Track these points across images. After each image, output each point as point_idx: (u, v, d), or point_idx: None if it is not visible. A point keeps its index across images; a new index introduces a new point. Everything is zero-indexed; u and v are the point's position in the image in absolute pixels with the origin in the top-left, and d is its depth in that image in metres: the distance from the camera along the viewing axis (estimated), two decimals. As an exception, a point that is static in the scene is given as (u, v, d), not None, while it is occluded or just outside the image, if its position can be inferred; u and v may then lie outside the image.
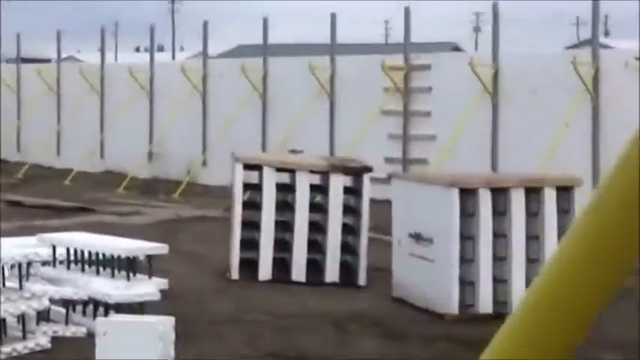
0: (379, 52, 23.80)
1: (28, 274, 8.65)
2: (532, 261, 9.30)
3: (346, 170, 11.16)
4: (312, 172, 11.18)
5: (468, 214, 8.86)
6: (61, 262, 9.08)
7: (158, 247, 9.20)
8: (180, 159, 23.08)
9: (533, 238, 9.28)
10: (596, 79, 17.32)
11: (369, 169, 11.14)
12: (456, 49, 53.94)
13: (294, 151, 17.93)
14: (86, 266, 8.96)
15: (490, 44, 19.03)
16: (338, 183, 11.06)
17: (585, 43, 56.18)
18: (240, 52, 46.95)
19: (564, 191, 9.19)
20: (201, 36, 23.65)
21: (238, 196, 11.32)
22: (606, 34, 75.18)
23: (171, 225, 16.18)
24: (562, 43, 56.13)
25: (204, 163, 22.89)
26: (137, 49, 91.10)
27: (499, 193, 8.90)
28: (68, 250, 9.08)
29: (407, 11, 19.89)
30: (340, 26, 21.03)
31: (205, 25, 23.45)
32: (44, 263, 9.06)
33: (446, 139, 18.51)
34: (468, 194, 8.80)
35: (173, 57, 67.05)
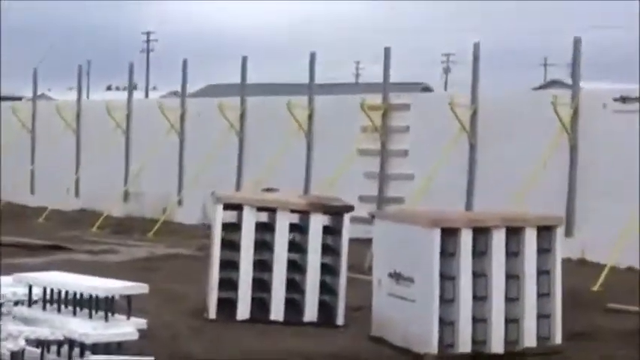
0: (352, 92, 23.93)
1: (0, 314, 8.50)
2: (511, 300, 9.27)
3: (327, 210, 11.11)
4: (292, 211, 11.11)
5: (448, 253, 8.83)
6: (35, 302, 8.94)
7: (137, 287, 9.05)
8: (156, 197, 23.01)
9: (514, 277, 9.24)
10: (574, 118, 17.40)
11: (350, 209, 11.10)
12: (426, 89, 54.68)
13: (269, 190, 17.87)
14: (62, 306, 8.83)
15: (462, 85, 19.12)
16: (318, 222, 11.02)
17: (552, 84, 56.87)
18: (211, 91, 46.96)
19: (546, 231, 9.17)
20: (173, 75, 23.71)
21: (217, 235, 11.25)
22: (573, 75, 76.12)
23: (146, 263, 16.10)
24: (528, 84, 56.91)
25: (180, 202, 22.83)
26: (109, 88, 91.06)
27: (480, 233, 8.87)
28: (45, 289, 8.95)
29: (387, 52, 19.99)
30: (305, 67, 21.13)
31: (184, 63, 23.47)
32: (16, 303, 8.91)
33: (423, 178, 18.53)
34: (449, 234, 8.77)
35: (146, 95, 67.16)
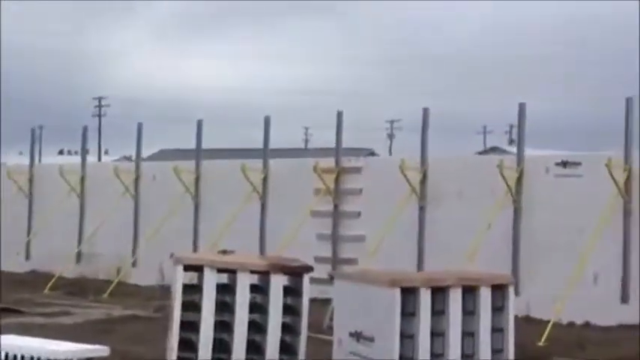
0: (302, 156, 24.33)
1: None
2: (467, 357, 9.57)
3: (287, 270, 11.38)
4: (252, 272, 11.36)
5: (408, 312, 9.13)
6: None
7: (98, 350, 8.87)
8: (110, 259, 23.13)
9: (469, 335, 9.57)
10: (519, 182, 18.00)
11: (309, 269, 11.38)
12: (372, 154, 55.76)
13: (225, 252, 18.05)
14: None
15: (406, 150, 19.68)
16: (278, 283, 11.25)
17: (492, 150, 58.01)
18: (164, 156, 47.13)
19: (499, 289, 9.55)
20: (125, 139, 23.99)
21: (178, 297, 11.40)
22: (511, 142, 77.79)
23: (103, 325, 16.06)
24: (468, 150, 58.20)
25: (134, 264, 22.97)
26: (61, 152, 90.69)
27: (438, 292, 9.22)
28: (1, 354, 8.86)
29: (339, 116, 20.46)
30: (260, 131, 21.55)
31: (139, 126, 23.75)
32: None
33: (374, 239, 18.94)
34: (408, 293, 9.10)
35: (99, 159, 67.14)
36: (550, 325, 15.34)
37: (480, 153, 53.99)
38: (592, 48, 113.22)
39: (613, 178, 16.53)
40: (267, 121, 21.47)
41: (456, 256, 16.70)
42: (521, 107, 18.31)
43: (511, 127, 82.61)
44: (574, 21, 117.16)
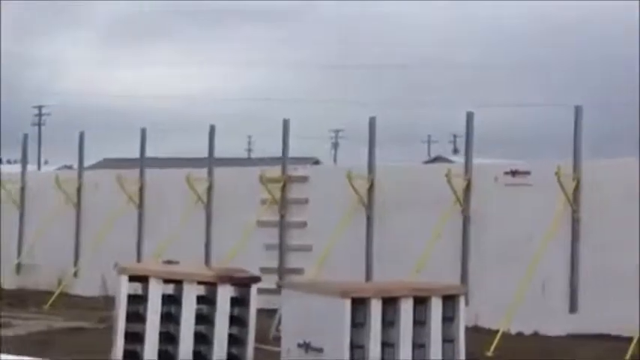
0: (245, 165, 24.16)
1: None
2: (417, 368, 9.48)
3: (234, 281, 11.21)
4: (199, 282, 11.18)
5: (358, 323, 9.01)
6: None
7: None
8: (51, 269, 22.75)
9: (420, 346, 9.46)
10: (467, 191, 17.94)
11: (257, 280, 11.22)
12: (317, 163, 55.85)
13: (169, 262, 17.83)
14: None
15: (350, 158, 19.62)
16: (225, 294, 11.09)
17: (436, 160, 58.37)
18: (107, 165, 46.72)
19: (450, 300, 9.45)
20: (66, 149, 23.65)
21: (122, 307, 11.20)
22: (455, 151, 78.25)
23: (45, 337, 15.84)
24: (413, 159, 58.58)
25: (76, 274, 22.63)
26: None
27: (389, 303, 9.09)
28: None
29: (286, 124, 20.30)
30: (203, 140, 21.33)
31: (81, 135, 23.43)
32: None
33: (321, 249, 18.79)
34: (359, 304, 8.97)
35: (39, 168, 66.47)
36: (499, 335, 15.28)
37: (426, 162, 54.30)
38: (541, 55, 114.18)
39: (562, 187, 16.51)
40: (212, 130, 21.28)
41: (405, 266, 16.63)
42: (469, 116, 18.28)
43: (454, 136, 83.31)
44: (524, 28, 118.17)
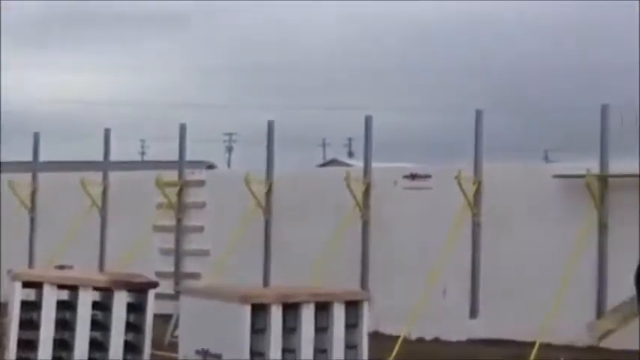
0: (139, 169, 23.83)
1: None
2: (319, 374, 9.33)
3: (130, 286, 10.94)
4: (94, 288, 10.90)
5: (258, 329, 8.82)
6: None
7: None
8: None
9: (322, 352, 9.32)
10: (366, 195, 17.87)
11: (154, 285, 10.97)
12: (211, 167, 55.49)
13: (62, 267, 17.49)
14: None
15: (242, 162, 19.48)
16: (121, 300, 10.83)
17: (331, 163, 58.59)
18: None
19: (352, 306, 9.30)
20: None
21: (15, 314, 10.89)
22: (350, 154, 78.78)
23: None
24: (308, 162, 58.76)
25: (-35, 281, 21.96)
26: None
27: (290, 308, 8.92)
28: None
29: (182, 128, 20.03)
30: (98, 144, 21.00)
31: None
32: None
33: (219, 253, 18.56)
34: (259, 310, 8.78)
35: None
36: (400, 340, 15.20)
37: (321, 165, 54.40)
38: (437, 58, 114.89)
39: (463, 191, 16.52)
40: (107, 134, 20.99)
41: (303, 271, 16.48)
42: (367, 119, 18.21)
43: (350, 139, 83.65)
44: (428, 30, 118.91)
